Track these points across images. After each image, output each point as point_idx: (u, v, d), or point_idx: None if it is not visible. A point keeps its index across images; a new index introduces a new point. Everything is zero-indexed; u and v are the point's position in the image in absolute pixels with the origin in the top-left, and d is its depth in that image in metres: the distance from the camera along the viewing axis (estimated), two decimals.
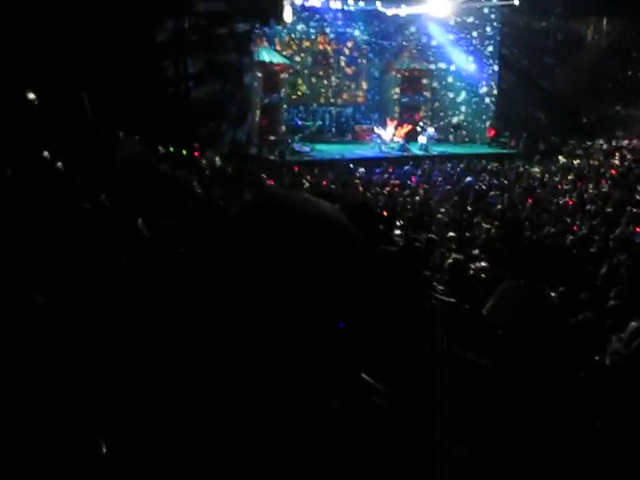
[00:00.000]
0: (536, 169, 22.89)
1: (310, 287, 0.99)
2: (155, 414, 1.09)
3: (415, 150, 25.71)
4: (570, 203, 15.37)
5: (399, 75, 29.25)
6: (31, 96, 12.71)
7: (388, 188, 17.63)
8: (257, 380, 0.99)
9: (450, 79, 30.03)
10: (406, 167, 22.67)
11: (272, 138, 24.47)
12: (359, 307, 1.04)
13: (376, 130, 26.39)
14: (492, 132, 29.02)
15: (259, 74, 25.25)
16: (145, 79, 19.08)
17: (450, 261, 5.88)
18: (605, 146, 24.99)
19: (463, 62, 29.40)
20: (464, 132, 29.37)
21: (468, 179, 19.77)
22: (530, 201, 15.75)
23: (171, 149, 19.10)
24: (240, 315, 1.00)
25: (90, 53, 16.17)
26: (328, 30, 28.20)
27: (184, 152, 20.17)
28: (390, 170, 21.92)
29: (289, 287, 0.98)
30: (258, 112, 25.44)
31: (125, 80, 17.52)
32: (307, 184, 17.78)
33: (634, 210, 13.03)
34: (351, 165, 22.27)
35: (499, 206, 15.05)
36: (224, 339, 1.00)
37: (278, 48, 26.69)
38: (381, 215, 6.65)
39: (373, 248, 3.67)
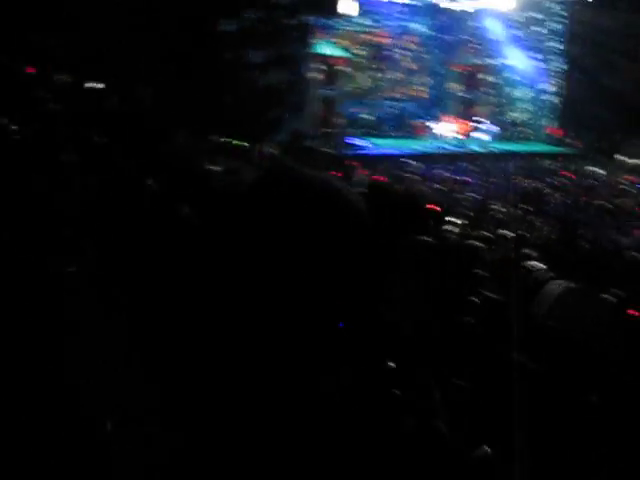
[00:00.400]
0: (599, 169, 22.36)
1: (310, 270, 0.96)
2: (155, 411, 1.07)
3: (474, 147, 25.39)
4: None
5: (460, 70, 28.87)
6: (94, 86, 12.98)
7: (444, 184, 17.46)
8: (259, 370, 0.97)
9: (512, 75, 29.50)
10: (464, 163, 22.41)
11: (329, 131, 24.42)
12: (360, 296, 1.00)
13: (434, 125, 26.12)
14: (555, 130, 28.40)
15: (318, 66, 25.23)
16: (207, 69, 19.25)
17: (504, 259, 5.78)
18: None
19: (526, 58, 28.84)
20: (525, 129, 28.84)
21: (528, 178, 19.46)
22: (591, 201, 15.40)
23: (228, 140, 19.26)
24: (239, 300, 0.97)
25: (153, 44, 16.39)
26: (389, 24, 27.98)
27: (241, 143, 20.26)
28: (447, 166, 21.70)
29: (289, 270, 0.96)
30: (316, 105, 25.42)
31: (187, 70, 17.71)
32: (362, 177, 17.72)
33: None
34: (407, 160, 22.11)
35: (559, 206, 14.77)
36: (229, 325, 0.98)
37: (338, 41, 26.62)
38: (430, 209, 6.55)
39: (408, 239, 3.62)
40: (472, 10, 27.76)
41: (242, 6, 21.29)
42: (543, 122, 28.99)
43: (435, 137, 25.44)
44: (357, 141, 24.47)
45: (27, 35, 11.66)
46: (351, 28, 27.02)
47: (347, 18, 25.66)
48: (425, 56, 29.05)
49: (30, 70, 10.46)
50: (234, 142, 19.95)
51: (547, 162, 23.59)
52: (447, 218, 8.58)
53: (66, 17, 13.68)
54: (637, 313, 5.58)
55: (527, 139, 28.35)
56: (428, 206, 7.91)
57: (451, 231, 7.38)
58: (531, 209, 14.32)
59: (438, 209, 7.28)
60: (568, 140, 27.45)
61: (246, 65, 21.95)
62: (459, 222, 9.50)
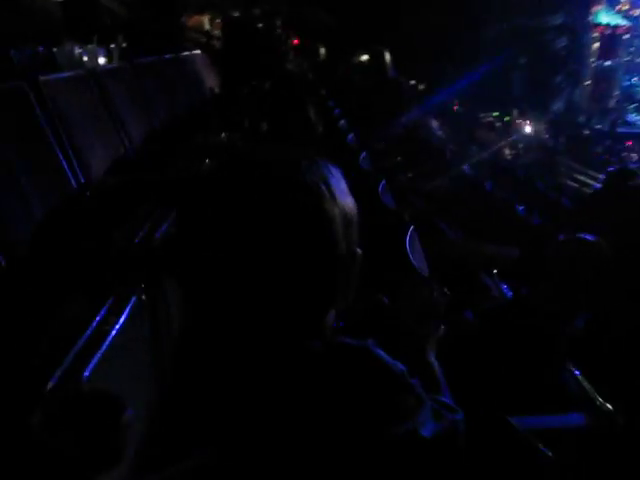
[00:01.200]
0: None
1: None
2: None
3: None
4: None
5: None
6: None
7: None
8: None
9: None
10: None
11: (604, 106, 22.82)
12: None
13: None
14: None
15: (596, 36, 23.54)
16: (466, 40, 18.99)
17: None
18: None
19: None
20: None
21: None
22: None
23: (494, 114, 19.31)
24: None
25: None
26: None
27: (505, 118, 20.07)
28: None
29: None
30: (593, 77, 23.78)
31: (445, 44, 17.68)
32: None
33: None
34: None
35: None
36: None
37: (620, 7, 24.49)
38: None
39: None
40: None
41: None
42: None
43: None
44: (634, 118, 22.71)
45: None
46: None
47: None
48: None
49: None
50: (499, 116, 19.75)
51: None
52: None
53: None
54: None
55: None
56: None
57: None
58: None
59: None
60: None
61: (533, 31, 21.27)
62: None
